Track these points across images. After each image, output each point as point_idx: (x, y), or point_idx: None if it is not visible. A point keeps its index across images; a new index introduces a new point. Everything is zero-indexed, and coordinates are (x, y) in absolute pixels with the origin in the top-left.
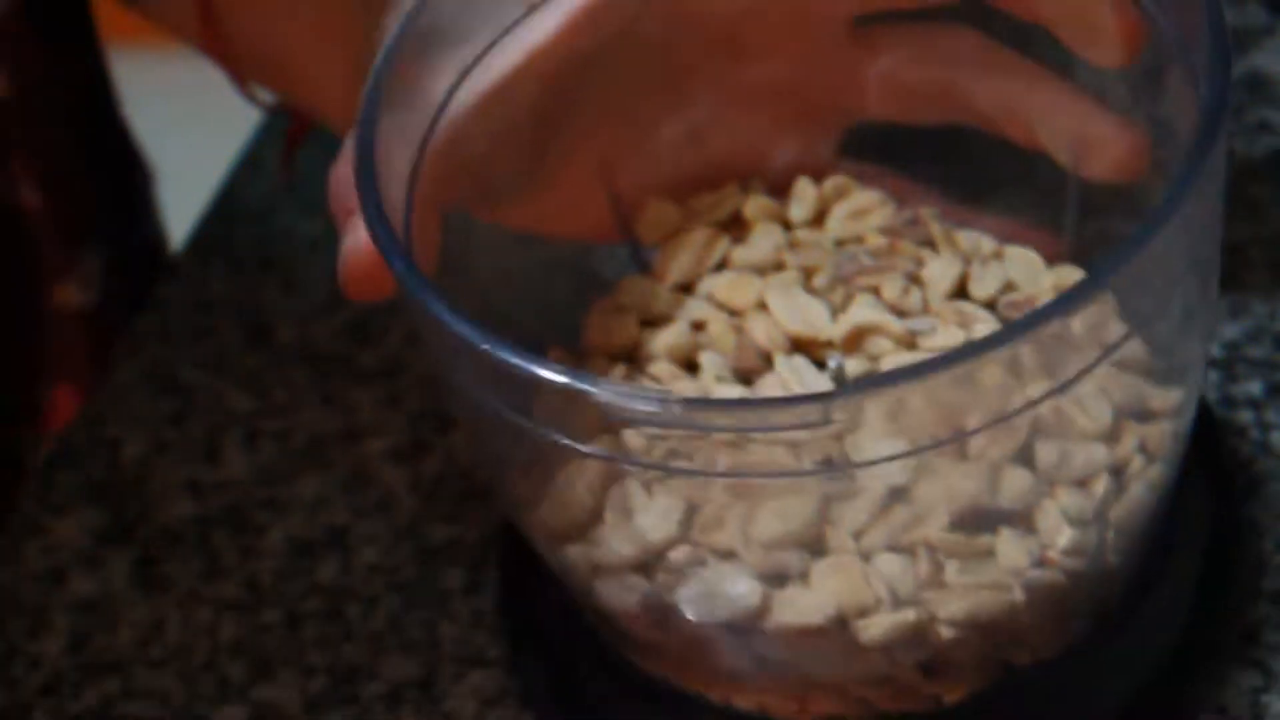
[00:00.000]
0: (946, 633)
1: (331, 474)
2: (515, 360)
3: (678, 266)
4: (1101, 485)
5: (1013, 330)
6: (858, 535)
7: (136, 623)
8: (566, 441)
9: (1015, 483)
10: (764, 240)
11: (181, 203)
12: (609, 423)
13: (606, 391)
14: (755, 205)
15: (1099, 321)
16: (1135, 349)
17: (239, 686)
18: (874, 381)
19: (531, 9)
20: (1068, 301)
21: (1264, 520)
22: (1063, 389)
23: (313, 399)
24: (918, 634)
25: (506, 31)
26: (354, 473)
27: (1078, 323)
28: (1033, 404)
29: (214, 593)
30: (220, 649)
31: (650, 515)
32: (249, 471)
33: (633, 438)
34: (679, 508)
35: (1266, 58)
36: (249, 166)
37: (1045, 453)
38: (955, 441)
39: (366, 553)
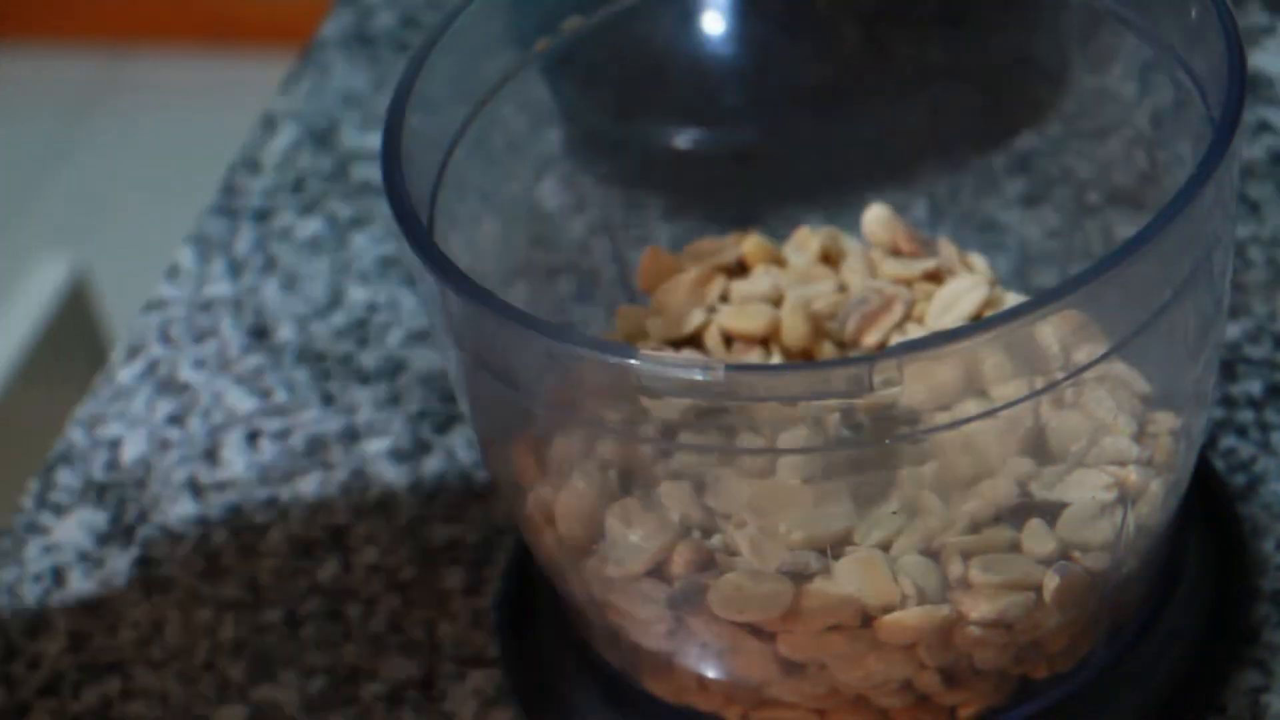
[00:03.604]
0: (972, 632)
1: (331, 474)
2: (552, 338)
3: (675, 300)
4: (1127, 480)
5: (1059, 294)
6: (883, 531)
7: (136, 623)
8: (601, 424)
9: (1040, 473)
10: (765, 277)
11: (182, 203)
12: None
13: (647, 362)
14: (753, 245)
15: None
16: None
17: (239, 686)
18: (915, 344)
19: None
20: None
21: (1264, 520)
22: (1076, 378)
23: (313, 399)
24: (944, 631)
25: None
26: (354, 473)
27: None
28: (1056, 386)
29: (214, 593)
30: (220, 649)
31: (661, 515)
32: (249, 471)
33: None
34: (693, 504)
35: (1266, 58)
36: (249, 166)
37: (1069, 444)
38: (984, 417)
39: (366, 553)
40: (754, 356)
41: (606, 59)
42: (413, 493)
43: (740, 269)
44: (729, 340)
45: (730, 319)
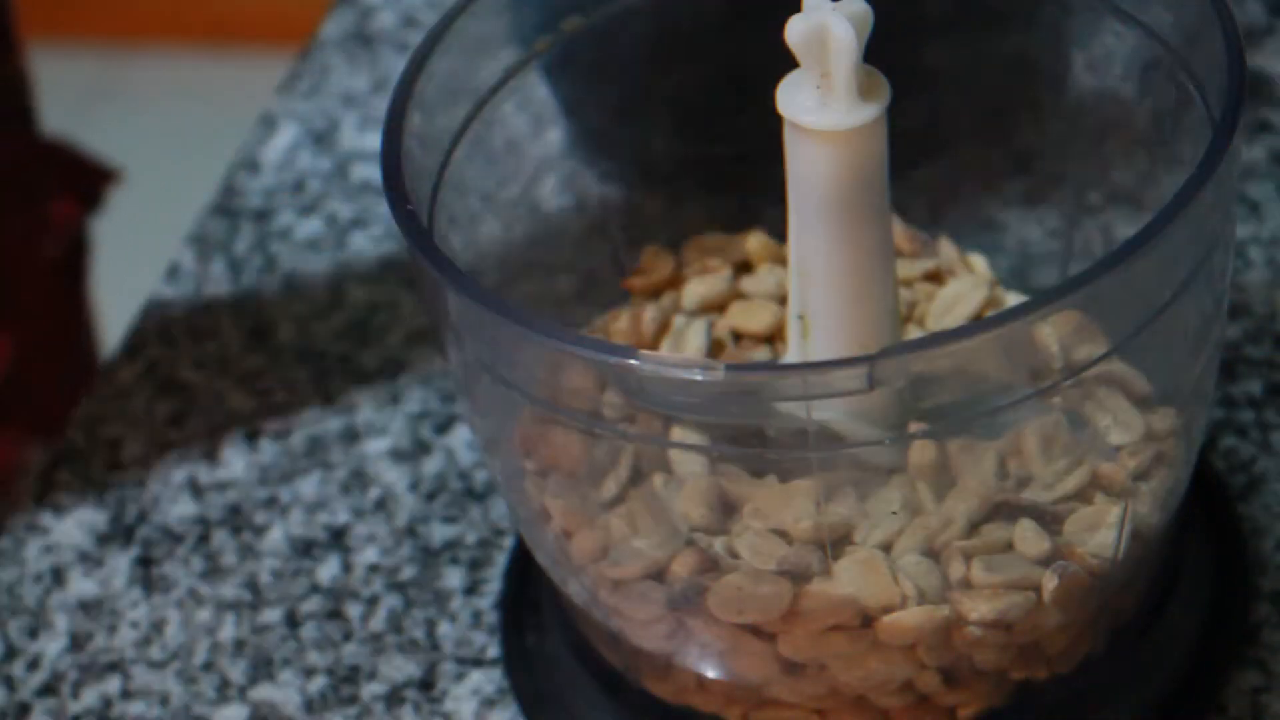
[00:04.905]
0: (973, 632)
1: (331, 474)
2: (553, 338)
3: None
4: (1126, 480)
5: (1058, 293)
6: (884, 531)
7: (136, 623)
8: (601, 425)
9: (1040, 473)
10: (769, 276)
11: (181, 203)
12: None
13: (647, 363)
14: (758, 243)
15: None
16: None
17: (239, 686)
18: (916, 344)
19: None
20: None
21: (1264, 520)
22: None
23: (313, 399)
24: (944, 632)
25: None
26: (354, 473)
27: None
28: (1056, 386)
29: (214, 593)
30: (220, 649)
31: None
32: (249, 471)
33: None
34: (694, 504)
35: (1266, 58)
36: (249, 167)
37: (1068, 444)
38: (984, 417)
39: (366, 553)
40: (760, 355)
41: (606, 59)
42: (413, 493)
43: (745, 267)
44: (735, 338)
45: (735, 317)
